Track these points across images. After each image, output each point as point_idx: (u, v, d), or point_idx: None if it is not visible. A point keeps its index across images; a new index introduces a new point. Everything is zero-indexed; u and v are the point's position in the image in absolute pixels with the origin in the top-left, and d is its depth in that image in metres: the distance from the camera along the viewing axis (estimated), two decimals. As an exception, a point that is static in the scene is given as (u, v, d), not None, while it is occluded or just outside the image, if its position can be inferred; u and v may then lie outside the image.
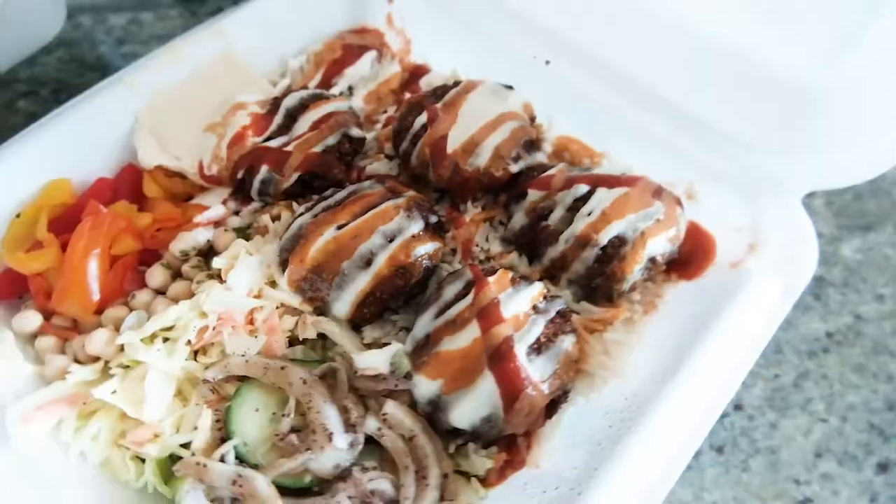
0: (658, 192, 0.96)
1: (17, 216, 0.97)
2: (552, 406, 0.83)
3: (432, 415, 0.83)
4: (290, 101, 1.09)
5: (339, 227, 0.92)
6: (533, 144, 1.08)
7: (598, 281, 0.92)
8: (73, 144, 1.03)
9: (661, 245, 0.93)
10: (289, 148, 1.04)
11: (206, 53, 1.14)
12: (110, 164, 1.07)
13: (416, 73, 1.25)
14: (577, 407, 0.85)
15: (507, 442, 0.85)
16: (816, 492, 0.93)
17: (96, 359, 0.89)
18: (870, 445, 0.97)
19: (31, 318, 0.91)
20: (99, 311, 0.94)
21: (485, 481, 0.84)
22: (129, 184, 1.06)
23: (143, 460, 0.82)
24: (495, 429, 0.81)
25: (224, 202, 1.07)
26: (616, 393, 0.85)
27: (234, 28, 1.16)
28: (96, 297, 0.93)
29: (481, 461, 0.84)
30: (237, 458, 0.77)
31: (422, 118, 1.05)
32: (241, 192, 1.08)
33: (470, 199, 1.05)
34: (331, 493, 0.75)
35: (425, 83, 1.21)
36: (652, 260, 0.93)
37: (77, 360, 0.89)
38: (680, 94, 1.07)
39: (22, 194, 0.99)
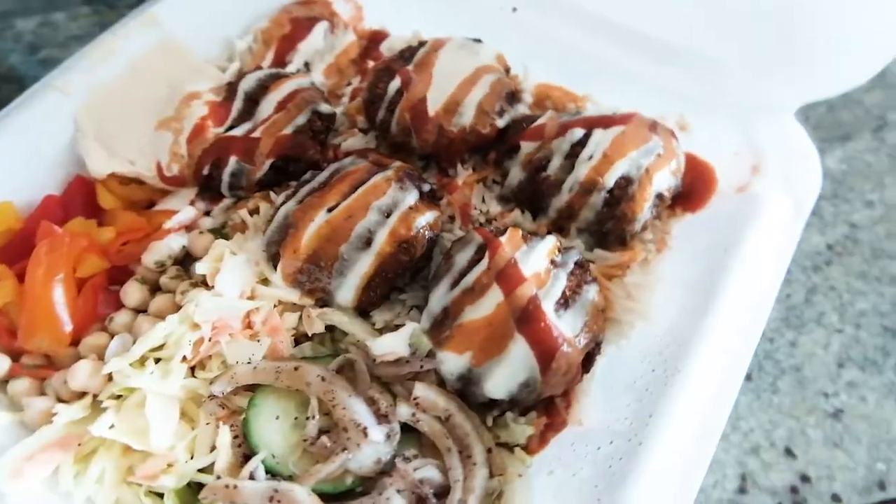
0: (653, 127, 0.93)
1: (-42, 251, 0.86)
2: (587, 360, 0.80)
3: (464, 390, 0.78)
4: (247, 84, 1.00)
5: (330, 210, 0.85)
6: (514, 96, 1.03)
7: (608, 225, 0.89)
8: (8, 164, 0.92)
9: (665, 179, 0.90)
10: (256, 134, 0.95)
11: (141, 44, 1.03)
12: (55, 179, 0.96)
13: (374, 39, 1.17)
14: (609, 357, 0.82)
15: (545, 405, 0.81)
16: (845, 401, 0.93)
17: (82, 394, 0.80)
18: (886, 348, 0.98)
19: (-4, 363, 0.81)
20: (74, 342, 0.84)
21: (527, 449, 0.80)
22: (80, 198, 0.95)
23: (159, 495, 0.74)
24: (534, 393, 0.76)
25: (192, 203, 0.98)
26: (647, 336, 0.82)
27: (168, 13, 1.06)
28: (68, 327, 0.83)
29: (521, 429, 0.80)
30: (267, 472, 0.71)
31: (394, 83, 0.98)
32: (208, 189, 0.99)
33: (458, 161, 0.99)
34: (377, 491, 0.69)
35: (387, 48, 1.14)
36: (659, 196, 0.90)
37: (60, 399, 0.79)
38: (656, 25, 1.04)
39: (-41, 226, 0.88)
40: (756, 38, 0.97)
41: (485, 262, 0.79)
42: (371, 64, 1.11)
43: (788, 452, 0.90)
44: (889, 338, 0.98)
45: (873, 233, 1.10)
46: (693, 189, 0.96)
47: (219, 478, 0.70)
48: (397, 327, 0.84)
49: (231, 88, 1.01)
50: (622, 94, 1.03)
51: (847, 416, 0.92)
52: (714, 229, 0.87)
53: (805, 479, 0.88)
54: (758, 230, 0.84)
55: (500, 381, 0.76)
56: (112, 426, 0.74)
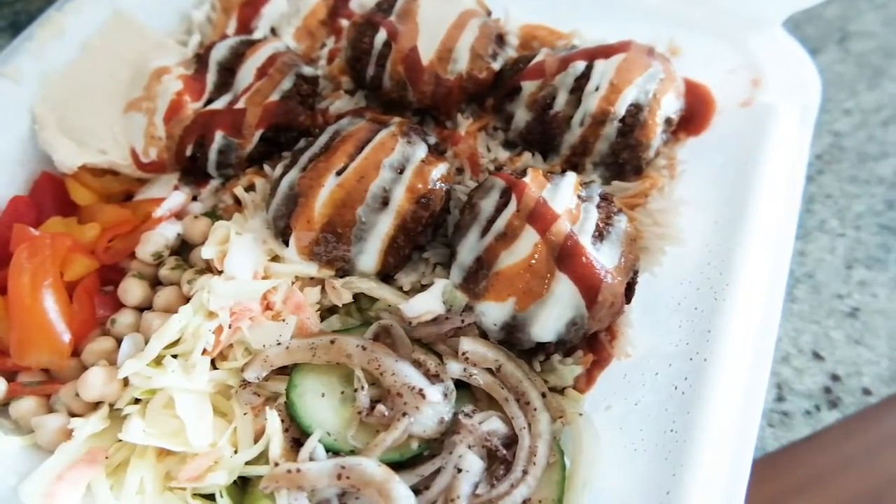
0: (651, 52, 0.91)
1: (-77, 269, 0.76)
2: (628, 290, 0.78)
3: (509, 338, 0.76)
4: (218, 54, 0.92)
5: (339, 173, 0.79)
6: (501, 39, 0.99)
7: (624, 155, 0.87)
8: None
9: (671, 103, 0.89)
10: (240, 105, 0.88)
11: (91, 21, 0.93)
12: (17, 178, 0.86)
13: (340, -3, 1.10)
14: (645, 285, 0.81)
15: (589, 342, 0.80)
16: (859, 300, 0.96)
17: (95, 405, 0.73)
18: (887, 245, 1.01)
19: (-8, 386, 0.72)
20: (74, 351, 0.76)
21: (575, 389, 0.79)
22: (50, 195, 0.86)
23: (205, 496, 0.68)
24: (581, 330, 0.74)
25: (175, 188, 0.90)
26: (680, 258, 0.81)
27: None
28: (67, 336, 0.75)
29: (569, 370, 0.78)
30: (326, 450, 0.66)
31: (380, 37, 0.92)
32: (192, 172, 0.91)
33: (456, 111, 0.95)
34: (447, 450, 0.66)
35: (357, 4, 1.07)
36: (668, 121, 0.89)
37: (73, 414, 0.72)
38: None
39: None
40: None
41: (513, 205, 0.76)
42: (344, 22, 1.05)
43: (816, 356, 0.92)
44: (888, 235, 1.02)
45: (855, 139, 1.13)
46: (693, 111, 0.95)
47: (277, 465, 0.64)
48: (424, 287, 0.80)
49: (201, 60, 0.93)
50: (606, 24, 1.00)
51: (863, 314, 0.95)
52: (727, 146, 0.87)
53: (835, 378, 0.90)
54: (770, 139, 0.84)
55: (548, 322, 0.73)
56: (144, 431, 0.67)
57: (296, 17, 1.06)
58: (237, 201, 0.89)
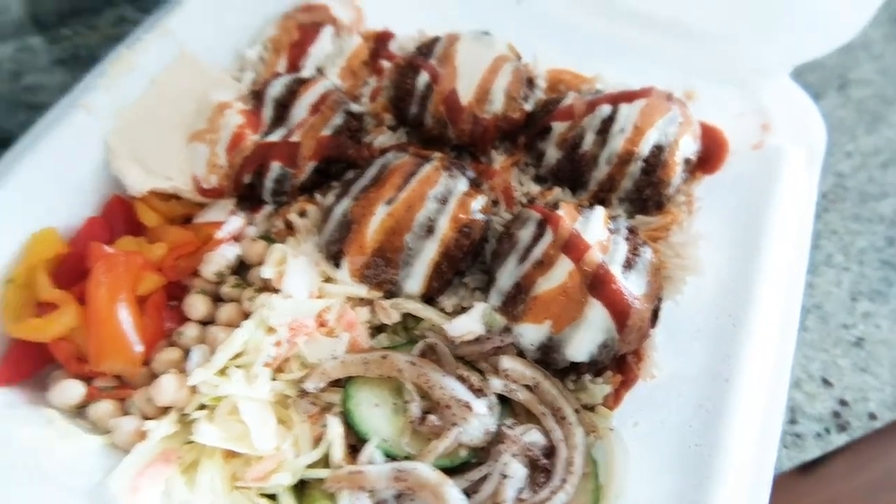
0: (670, 97, 1.00)
1: (10, 280, 0.82)
2: (654, 316, 0.85)
3: (544, 358, 0.82)
4: (274, 91, 1.00)
5: (388, 203, 0.87)
6: (531, 82, 1.08)
7: (647, 192, 0.95)
8: (43, 190, 0.89)
9: (689, 145, 0.97)
10: (294, 138, 0.96)
11: (158, 59, 1.02)
12: (90, 200, 0.93)
13: (380, 40, 1.19)
14: (668, 312, 0.88)
15: (618, 363, 0.86)
16: (863, 330, 1.03)
17: (164, 409, 0.79)
18: (888, 279, 1.09)
19: (73, 389, 0.79)
20: (144, 360, 0.83)
21: (604, 406, 0.85)
22: (121, 217, 0.93)
23: (267, 497, 0.74)
24: (611, 352, 0.81)
25: (231, 213, 0.97)
26: (700, 289, 0.88)
27: (181, 26, 1.04)
28: (139, 347, 0.81)
29: (599, 388, 0.84)
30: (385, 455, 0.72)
31: (422, 79, 1.01)
32: (248, 198, 0.99)
33: (490, 148, 1.03)
34: (493, 458, 0.72)
35: (397, 47, 1.16)
36: (686, 161, 0.97)
37: (144, 417, 0.78)
38: (651, 2, 1.11)
39: (3, 257, 0.84)
40: (747, 7, 1.06)
41: (549, 236, 0.84)
42: (385, 63, 1.13)
43: (825, 382, 0.98)
44: (889, 270, 1.10)
45: (857, 179, 1.22)
46: (708, 152, 1.03)
47: (339, 467, 0.70)
48: (464, 309, 0.87)
49: (257, 96, 1.01)
50: (626, 70, 1.09)
51: (868, 343, 1.02)
52: (741, 185, 0.95)
53: (843, 403, 0.97)
54: (781, 179, 0.92)
55: (582, 344, 0.80)
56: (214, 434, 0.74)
57: (340, 57, 1.15)
58: (288, 226, 0.97)
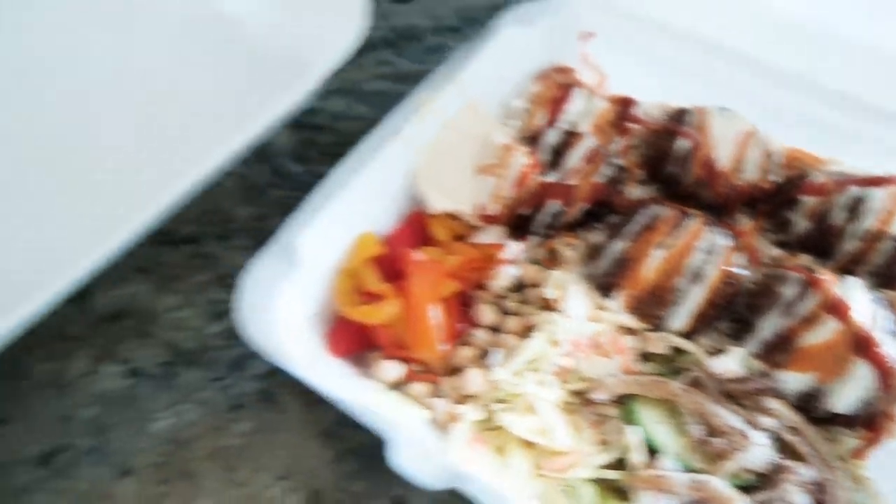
0: (915, 187, 1.09)
1: (345, 271, 1.00)
2: (909, 383, 0.92)
3: (804, 405, 0.91)
4: (552, 139, 1.17)
5: (659, 248, 1.00)
6: (771, 157, 1.20)
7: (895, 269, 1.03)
8: (367, 201, 1.07)
9: (935, 231, 1.05)
10: (570, 182, 1.11)
11: (451, 104, 1.20)
12: (393, 213, 1.11)
13: (624, 104, 1.34)
14: (915, 382, 0.94)
15: (867, 419, 0.93)
16: None
17: (466, 398, 0.92)
18: None
19: (394, 369, 0.94)
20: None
21: (850, 460, 0.92)
22: (419, 229, 1.10)
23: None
24: (871, 408, 0.89)
25: (506, 238, 1.12)
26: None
27: (470, 79, 1.23)
28: (444, 346, 0.96)
29: (850, 441, 0.91)
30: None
31: (681, 143, 1.15)
32: (519, 228, 1.14)
33: (736, 211, 1.15)
34: (773, 486, 0.80)
35: (643, 113, 1.31)
36: (931, 244, 1.05)
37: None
38: (871, 87, 1.20)
39: (337, 251, 1.02)
40: None
41: (814, 295, 0.93)
42: (631, 126, 1.28)
43: None
44: None
45: None
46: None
47: (639, 470, 0.81)
48: (718, 351, 0.97)
49: (533, 141, 1.18)
50: (855, 157, 1.19)
51: None
52: None
53: None
54: None
55: (846, 398, 0.88)
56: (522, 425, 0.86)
57: (590, 115, 1.31)
58: (551, 256, 1.11)
